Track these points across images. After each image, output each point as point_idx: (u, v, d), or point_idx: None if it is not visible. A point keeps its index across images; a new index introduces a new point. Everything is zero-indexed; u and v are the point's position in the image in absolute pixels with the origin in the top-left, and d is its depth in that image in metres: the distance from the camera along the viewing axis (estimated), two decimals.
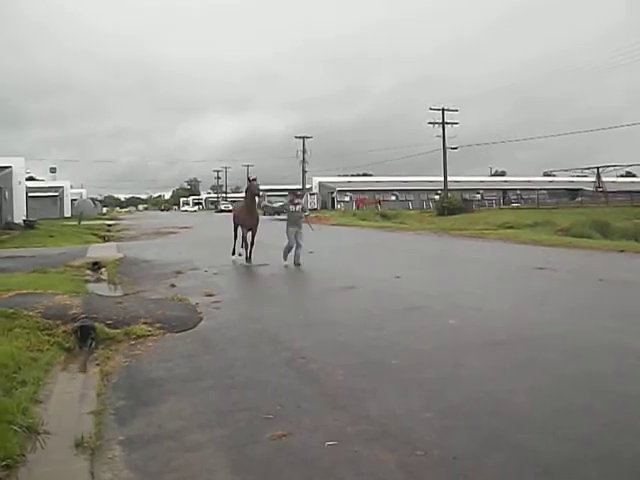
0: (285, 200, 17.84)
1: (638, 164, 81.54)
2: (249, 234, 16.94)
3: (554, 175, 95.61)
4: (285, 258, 15.82)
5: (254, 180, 16.86)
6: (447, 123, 57.55)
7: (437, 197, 58.58)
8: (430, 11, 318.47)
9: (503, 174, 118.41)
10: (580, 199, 67.16)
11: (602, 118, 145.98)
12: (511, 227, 30.44)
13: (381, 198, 77.90)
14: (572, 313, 9.14)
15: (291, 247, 15.80)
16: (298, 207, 16.21)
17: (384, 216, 53.46)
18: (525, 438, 4.71)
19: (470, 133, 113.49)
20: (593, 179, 78.78)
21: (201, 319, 9.34)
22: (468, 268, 15.35)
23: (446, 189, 58.05)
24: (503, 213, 45.60)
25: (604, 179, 77.64)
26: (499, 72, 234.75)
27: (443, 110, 57.55)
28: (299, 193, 17.87)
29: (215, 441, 4.87)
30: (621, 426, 4.90)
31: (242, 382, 6.30)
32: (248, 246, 16.84)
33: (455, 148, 58.16)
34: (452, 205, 53.65)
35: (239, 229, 17.49)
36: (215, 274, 14.65)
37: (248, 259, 16.65)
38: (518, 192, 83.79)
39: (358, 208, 70.75)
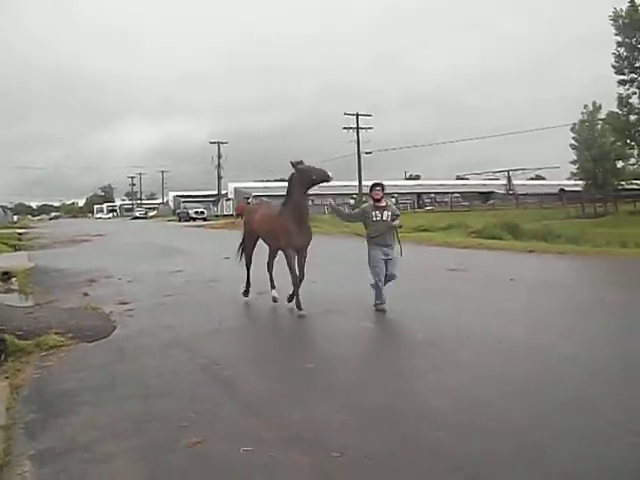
0: (360, 204, 11.69)
1: (547, 167, 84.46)
2: (295, 258, 10.04)
3: (467, 179, 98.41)
4: (380, 299, 9.80)
5: (299, 164, 9.92)
6: (361, 128, 58.78)
7: (352, 201, 59.37)
8: (358, 25, 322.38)
9: (417, 178, 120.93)
10: (492, 202, 69.37)
11: (513, 123, 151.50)
12: (425, 230, 30.99)
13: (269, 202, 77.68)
14: (485, 312, 9.44)
15: (381, 281, 9.73)
16: (386, 214, 9.82)
17: None
18: (441, 436, 4.86)
19: (389, 139, 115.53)
20: (504, 182, 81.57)
21: (115, 328, 9.22)
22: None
23: (361, 193, 58.90)
24: (417, 216, 46.45)
25: (515, 182, 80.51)
26: (417, 81, 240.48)
27: (357, 115, 58.63)
28: (378, 189, 10.06)
29: (130, 451, 4.81)
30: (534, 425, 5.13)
31: (157, 390, 6.24)
32: (297, 280, 10.01)
33: (369, 152, 59.52)
34: None
35: (262, 249, 11.56)
36: (129, 282, 14.37)
37: (298, 305, 9.85)
38: (432, 195, 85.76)
39: (239, 213, 69.43)
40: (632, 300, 10.26)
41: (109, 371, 7.04)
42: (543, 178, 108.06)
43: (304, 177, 9.84)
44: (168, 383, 6.47)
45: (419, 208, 73.85)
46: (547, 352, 7.07)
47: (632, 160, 48.61)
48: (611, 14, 44.04)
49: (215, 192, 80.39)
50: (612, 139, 49.68)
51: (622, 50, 44.45)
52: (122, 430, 5.23)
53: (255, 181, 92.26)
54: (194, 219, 65.82)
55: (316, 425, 5.17)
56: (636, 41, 43.94)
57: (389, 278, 9.87)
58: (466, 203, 70.92)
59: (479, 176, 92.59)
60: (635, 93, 44.76)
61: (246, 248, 11.74)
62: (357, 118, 58.81)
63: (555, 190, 74.66)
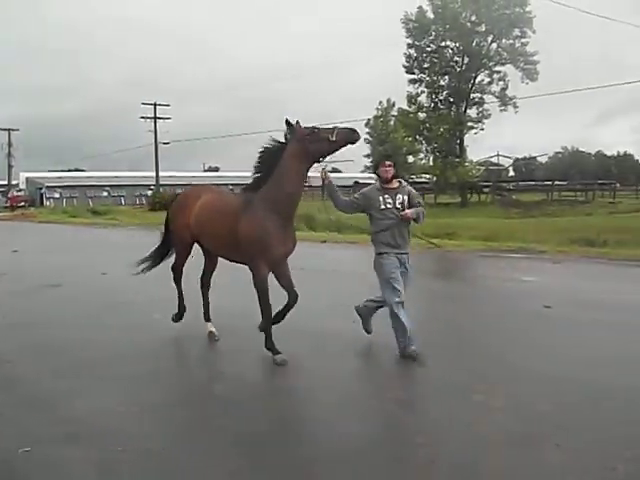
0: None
1: (343, 160, 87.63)
2: (266, 277, 6.81)
3: None
4: (368, 323, 7.49)
5: (297, 124, 6.65)
6: (159, 118, 57.68)
7: (150, 192, 58.26)
8: (163, 16, 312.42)
9: (217, 169, 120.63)
10: None
11: (315, 116, 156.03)
12: None
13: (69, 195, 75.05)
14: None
15: (401, 301, 6.71)
16: (400, 198, 6.92)
17: (95, 212, 51.80)
18: (226, 423, 5.00)
19: (190, 129, 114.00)
20: None
21: None
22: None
23: (158, 184, 58.02)
24: None
25: (310, 174, 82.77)
26: (222, 72, 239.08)
27: (155, 105, 57.45)
28: (388, 164, 6.99)
29: None
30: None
31: None
32: (269, 310, 6.81)
33: (167, 143, 58.58)
34: (164, 200, 53.79)
35: (201, 259, 8.13)
36: None
37: (271, 347, 6.71)
38: (231, 187, 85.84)
39: (12, 206, 65.68)
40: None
41: None
42: (339, 171, 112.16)
43: (313, 143, 6.50)
44: None
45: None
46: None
47: (421, 155, 51.94)
48: (402, 17, 46.83)
49: (5, 182, 74.91)
50: (403, 135, 52.77)
51: (412, 51, 47.46)
52: None
53: (50, 171, 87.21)
54: None
55: (101, 419, 5.09)
56: (425, 44, 47.09)
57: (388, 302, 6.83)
58: None
59: None
60: (424, 92, 48.03)
61: (177, 259, 8.02)
62: (155, 108, 57.70)
63: (350, 182, 77.81)
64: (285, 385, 6.09)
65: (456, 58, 47.62)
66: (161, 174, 59.65)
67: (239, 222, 6.69)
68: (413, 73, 48.10)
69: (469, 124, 47.82)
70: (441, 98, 48.18)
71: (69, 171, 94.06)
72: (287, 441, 4.72)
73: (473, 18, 45.93)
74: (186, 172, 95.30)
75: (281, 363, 6.47)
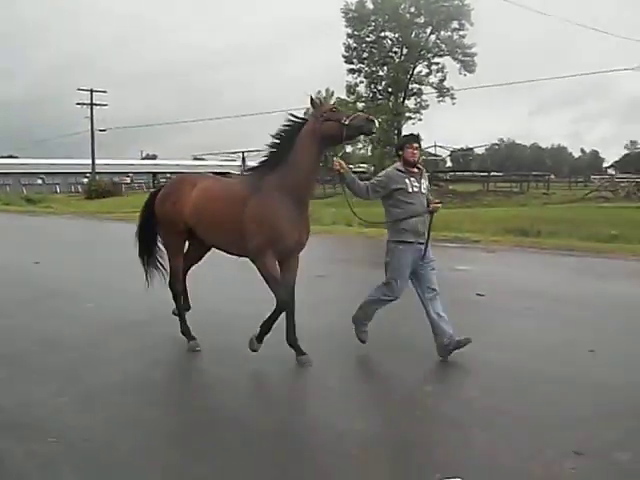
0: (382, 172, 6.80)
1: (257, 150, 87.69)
2: (288, 267, 6.28)
3: (204, 159, 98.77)
4: (361, 328, 6.69)
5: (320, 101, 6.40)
6: (96, 104, 56.54)
7: (85, 180, 57.30)
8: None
9: (154, 157, 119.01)
10: None
11: (257, 104, 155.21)
12: None
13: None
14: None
15: (390, 298, 6.49)
16: (424, 184, 6.52)
17: (30, 200, 50.66)
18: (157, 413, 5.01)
19: (129, 116, 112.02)
20: (239, 163, 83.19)
21: None
22: (113, 250, 15.08)
23: (94, 172, 57.02)
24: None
25: (250, 163, 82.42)
26: (160, 59, 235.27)
27: (92, 91, 56.32)
28: (416, 145, 6.52)
29: None
30: None
31: None
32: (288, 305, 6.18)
33: (103, 130, 57.54)
34: (101, 188, 53.17)
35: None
36: None
37: (299, 352, 6.22)
38: (168, 175, 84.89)
39: None
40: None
41: None
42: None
43: (326, 121, 5.93)
44: None
45: (154, 188, 72.89)
46: None
47: (359, 145, 52.09)
48: (342, 7, 46.89)
49: None
50: None
51: (352, 41, 47.57)
52: None
53: None
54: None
55: (34, 409, 5.04)
56: (364, 34, 47.25)
57: (431, 298, 6.35)
58: None
59: (216, 157, 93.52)
60: (363, 82, 48.25)
61: (172, 257, 6.99)
62: (91, 94, 56.52)
63: None
64: (218, 374, 6.08)
65: (395, 49, 47.84)
66: (98, 162, 58.50)
67: (246, 207, 6.03)
68: (352, 63, 48.15)
69: (407, 115, 48.15)
70: (380, 88, 48.39)
71: (2, 157, 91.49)
72: (216, 430, 4.73)
73: (412, 9, 46.21)
74: (123, 160, 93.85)
75: (305, 362, 6.11)
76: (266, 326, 6.06)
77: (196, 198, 6.55)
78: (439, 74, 47.90)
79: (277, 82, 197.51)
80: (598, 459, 4.17)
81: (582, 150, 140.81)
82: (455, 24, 45.69)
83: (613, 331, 7.46)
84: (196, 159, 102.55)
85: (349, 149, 54.71)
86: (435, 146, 63.61)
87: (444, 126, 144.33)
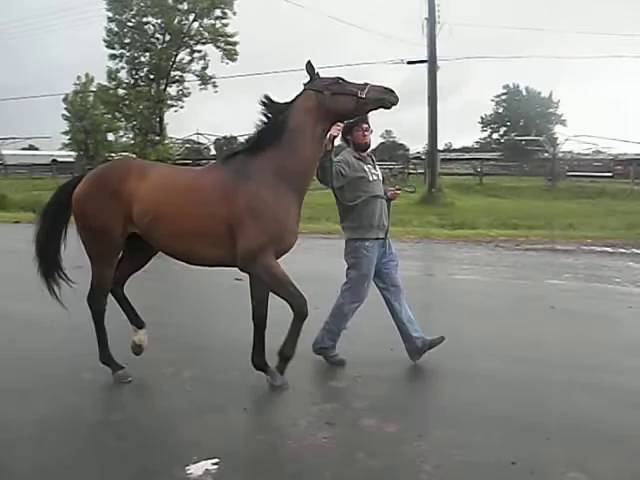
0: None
1: (39, 137, 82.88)
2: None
3: None
4: (331, 352, 5.88)
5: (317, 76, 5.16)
6: None
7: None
8: None
9: None
10: None
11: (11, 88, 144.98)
12: None
13: None
14: None
15: (360, 302, 5.83)
16: (380, 171, 5.99)
17: None
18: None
19: None
20: None
21: None
22: None
23: None
24: None
25: (5, 152, 77.02)
26: None
27: None
28: (366, 126, 5.70)
29: None
30: None
31: None
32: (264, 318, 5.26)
33: None
34: None
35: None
36: None
37: (281, 369, 5.20)
38: None
39: None
40: None
41: None
42: (37, 148, 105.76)
43: (335, 95, 4.96)
44: None
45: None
46: None
47: (121, 133, 50.76)
48: None
49: None
50: (103, 111, 51.11)
51: (113, 26, 45.98)
52: None
53: None
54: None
55: None
56: (126, 18, 45.89)
57: (395, 294, 5.80)
58: None
59: None
60: (124, 68, 46.89)
61: (100, 267, 5.37)
62: None
63: (47, 160, 73.82)
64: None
65: (157, 35, 46.93)
66: None
67: (234, 200, 4.86)
68: (114, 48, 46.63)
69: (169, 102, 47.66)
70: (142, 75, 47.24)
71: None
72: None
73: None
74: None
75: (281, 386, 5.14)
76: (288, 346, 5.07)
77: (148, 191, 5.09)
78: (202, 62, 47.89)
79: (37, 65, 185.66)
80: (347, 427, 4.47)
81: None
82: (218, 12, 45.90)
83: None
84: None
85: (111, 137, 53.26)
86: (197, 134, 63.32)
87: (209, 114, 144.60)
